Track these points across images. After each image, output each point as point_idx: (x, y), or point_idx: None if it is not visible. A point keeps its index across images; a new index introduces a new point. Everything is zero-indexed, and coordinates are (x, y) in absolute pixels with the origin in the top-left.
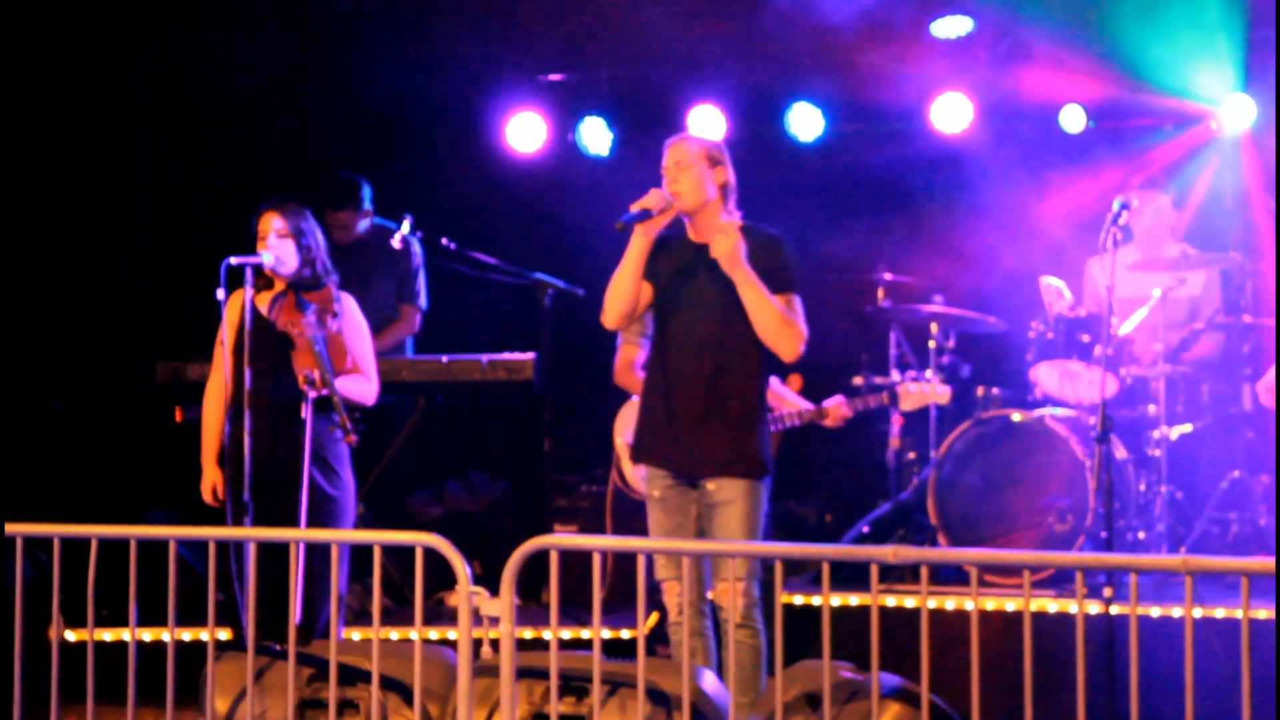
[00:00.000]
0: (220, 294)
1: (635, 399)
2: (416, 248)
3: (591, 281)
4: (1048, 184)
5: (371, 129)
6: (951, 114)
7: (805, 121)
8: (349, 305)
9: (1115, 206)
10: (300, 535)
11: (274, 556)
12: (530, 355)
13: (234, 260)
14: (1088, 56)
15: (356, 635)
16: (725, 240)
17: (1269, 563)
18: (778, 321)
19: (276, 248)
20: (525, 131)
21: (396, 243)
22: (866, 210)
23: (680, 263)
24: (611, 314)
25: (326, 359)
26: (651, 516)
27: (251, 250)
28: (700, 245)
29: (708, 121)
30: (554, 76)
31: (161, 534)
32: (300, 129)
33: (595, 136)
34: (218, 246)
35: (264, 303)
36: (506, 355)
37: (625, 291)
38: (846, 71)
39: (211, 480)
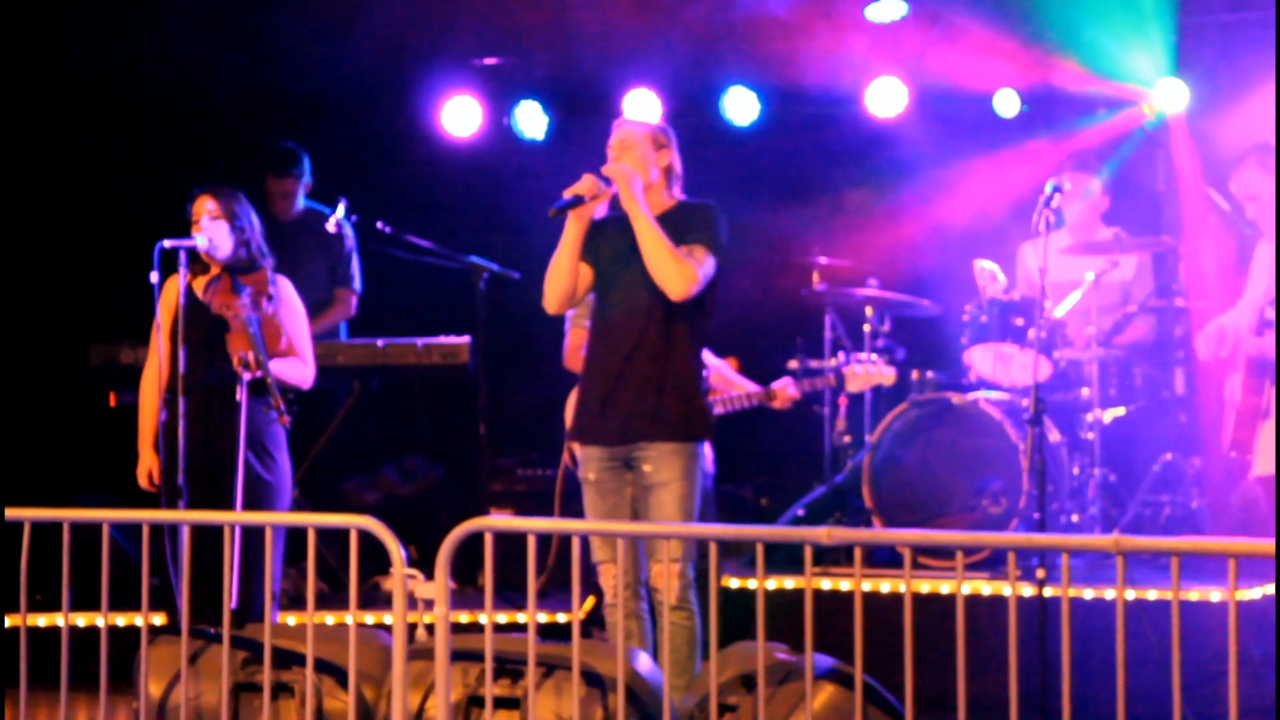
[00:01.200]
0: (154, 277)
1: None
2: (349, 231)
3: (526, 265)
4: (982, 168)
5: (306, 112)
6: (886, 98)
7: (740, 106)
8: (285, 288)
9: (1048, 189)
10: (234, 518)
11: (209, 540)
12: (465, 339)
13: (167, 243)
14: (1020, 40)
15: (291, 619)
16: (626, 170)
17: (1199, 543)
18: (666, 256)
19: (209, 230)
20: (460, 116)
21: (331, 226)
22: (801, 194)
23: (619, 245)
24: (551, 298)
25: (260, 341)
26: (587, 499)
27: (186, 233)
28: (623, 220)
29: (643, 106)
30: (489, 61)
31: (95, 517)
32: (235, 111)
33: (530, 121)
34: (151, 229)
35: (200, 286)
36: (441, 339)
37: (563, 276)
38: (781, 56)
39: (147, 465)
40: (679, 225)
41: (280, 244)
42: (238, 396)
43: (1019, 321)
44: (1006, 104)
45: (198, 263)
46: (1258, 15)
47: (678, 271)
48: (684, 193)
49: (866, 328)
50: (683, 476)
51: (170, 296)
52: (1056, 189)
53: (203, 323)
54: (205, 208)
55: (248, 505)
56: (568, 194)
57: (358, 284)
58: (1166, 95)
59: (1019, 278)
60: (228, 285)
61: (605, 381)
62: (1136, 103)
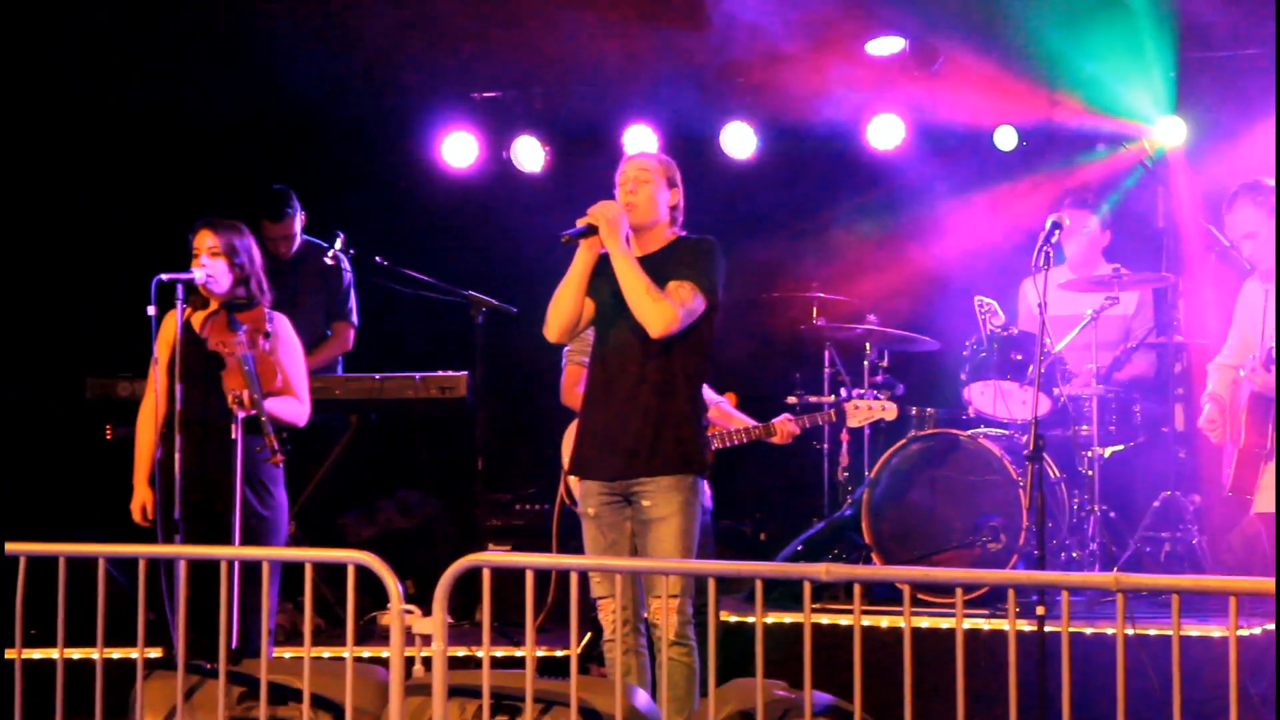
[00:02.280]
0: (151, 310)
1: None
2: (347, 264)
3: (524, 300)
4: (981, 203)
5: (305, 146)
6: (885, 133)
7: (739, 141)
8: (282, 325)
9: (1048, 225)
10: (232, 553)
11: (205, 575)
12: (463, 373)
13: (164, 277)
14: (1020, 76)
15: (288, 654)
16: (609, 207)
17: (1200, 581)
18: (643, 294)
19: (209, 266)
20: (459, 149)
21: (329, 259)
22: (800, 229)
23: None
24: (554, 327)
25: (255, 379)
26: (587, 534)
27: (186, 265)
28: (642, 257)
29: (641, 140)
30: (488, 94)
31: (91, 551)
32: (234, 143)
33: (529, 154)
34: (149, 262)
35: (198, 321)
36: (439, 373)
37: (568, 305)
38: (780, 91)
39: (141, 499)
40: (675, 261)
41: (278, 277)
42: (233, 434)
43: (1018, 357)
44: (1006, 139)
45: (196, 296)
46: (1256, 52)
47: (655, 310)
48: (684, 228)
49: (865, 363)
50: (681, 512)
51: (168, 331)
52: (1056, 225)
53: (200, 358)
54: (204, 243)
55: (245, 540)
56: (581, 222)
57: (355, 317)
58: (1166, 131)
59: (1019, 313)
60: (224, 321)
61: (605, 417)
62: (1136, 139)
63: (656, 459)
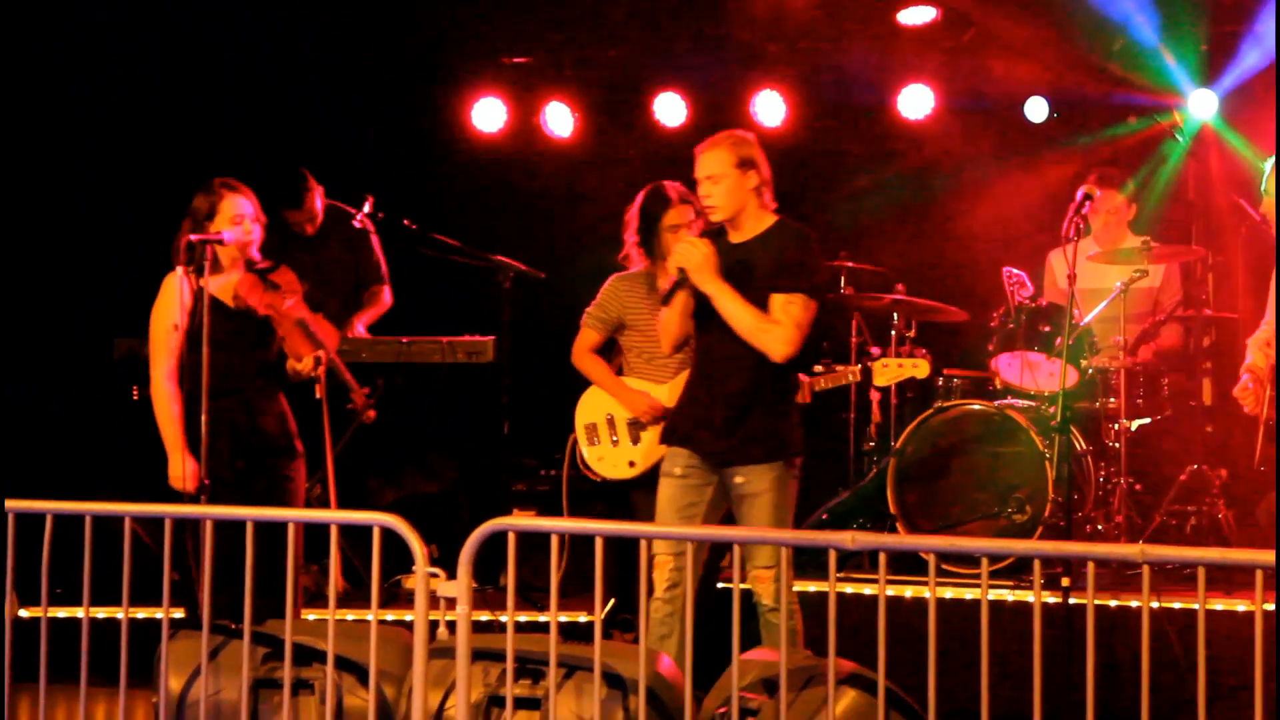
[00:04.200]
0: (180, 271)
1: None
2: (372, 229)
3: (552, 264)
4: (1010, 174)
5: (333, 110)
6: (915, 103)
7: (769, 109)
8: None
9: (1079, 197)
10: (256, 514)
11: (238, 537)
12: (490, 338)
13: (194, 238)
14: (1051, 47)
15: (312, 616)
16: (691, 253)
17: (1225, 553)
18: (753, 328)
19: (253, 231)
20: (488, 114)
21: (356, 223)
22: (829, 198)
23: (720, 261)
24: (667, 348)
25: (315, 338)
26: (664, 492)
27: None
28: (739, 244)
29: (671, 108)
30: (518, 60)
31: (117, 510)
32: (260, 107)
33: (558, 120)
34: (177, 222)
35: (229, 287)
36: (466, 338)
37: (676, 333)
38: (811, 59)
39: (181, 469)
40: (775, 252)
41: (307, 242)
42: (318, 394)
43: (1046, 329)
44: (1037, 110)
45: (209, 260)
46: None
47: (771, 338)
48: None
49: (893, 333)
50: (773, 489)
51: (176, 295)
52: (1087, 196)
53: (234, 322)
54: (243, 209)
55: (296, 487)
56: (675, 269)
57: (387, 276)
58: (1197, 104)
59: (1047, 285)
60: (259, 284)
61: (709, 394)
62: (1167, 111)
63: (749, 447)
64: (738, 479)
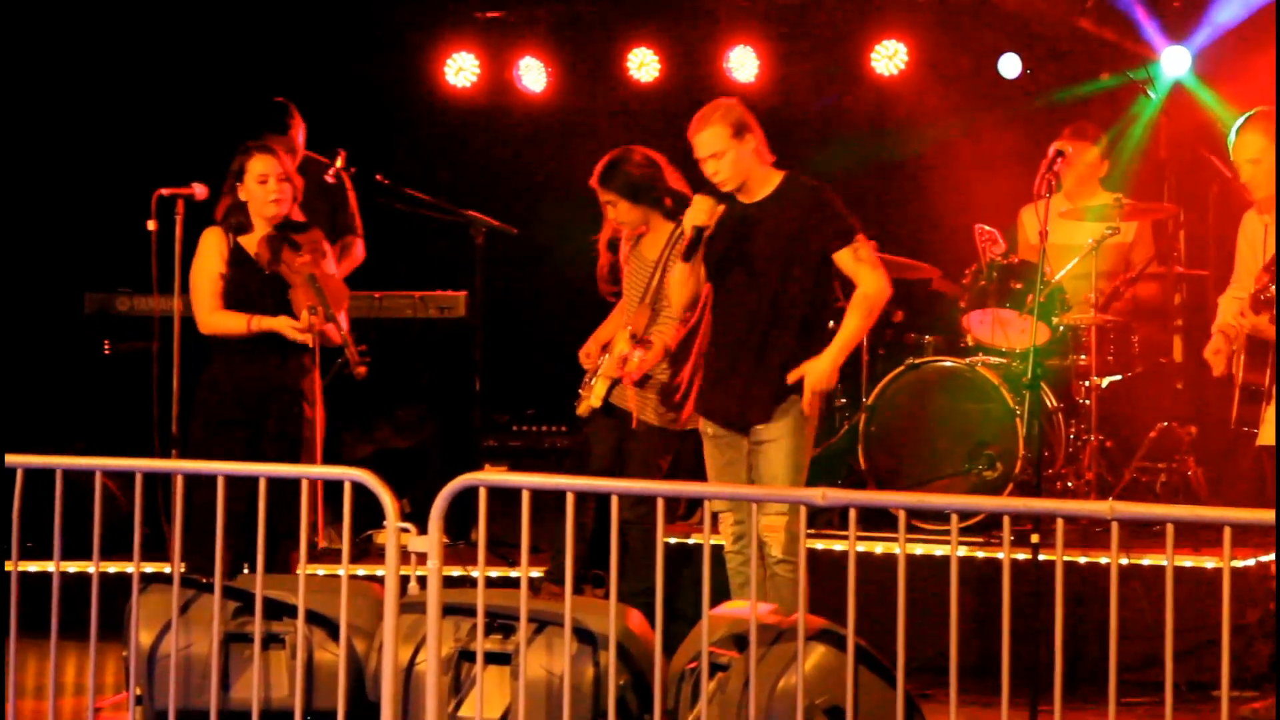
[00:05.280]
0: (151, 225)
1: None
2: (347, 182)
3: (524, 220)
4: (982, 131)
5: (305, 63)
6: (888, 59)
7: (742, 64)
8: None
9: (1051, 153)
10: (227, 469)
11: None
12: (462, 293)
13: (164, 191)
14: (1025, 3)
15: (322, 571)
16: (706, 213)
17: (1193, 510)
18: (876, 313)
19: (278, 191)
20: (461, 69)
21: (329, 177)
22: (800, 155)
23: (733, 224)
24: (680, 308)
25: (324, 295)
26: (706, 452)
27: (184, 180)
28: (750, 205)
29: (644, 64)
30: (490, 14)
31: (88, 464)
32: (232, 60)
33: (531, 75)
34: (148, 177)
35: (251, 245)
36: (439, 292)
37: (691, 290)
38: (784, 14)
39: (290, 322)
40: (796, 209)
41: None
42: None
43: (1017, 286)
44: (1009, 67)
45: (243, 219)
46: None
47: (875, 293)
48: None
49: None
50: (790, 433)
51: (214, 249)
52: (1060, 153)
53: (258, 281)
54: (273, 169)
55: (302, 449)
56: (689, 229)
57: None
58: (1169, 61)
59: (1019, 242)
60: (282, 243)
61: (727, 361)
62: (1140, 68)
63: (766, 409)
64: (758, 426)
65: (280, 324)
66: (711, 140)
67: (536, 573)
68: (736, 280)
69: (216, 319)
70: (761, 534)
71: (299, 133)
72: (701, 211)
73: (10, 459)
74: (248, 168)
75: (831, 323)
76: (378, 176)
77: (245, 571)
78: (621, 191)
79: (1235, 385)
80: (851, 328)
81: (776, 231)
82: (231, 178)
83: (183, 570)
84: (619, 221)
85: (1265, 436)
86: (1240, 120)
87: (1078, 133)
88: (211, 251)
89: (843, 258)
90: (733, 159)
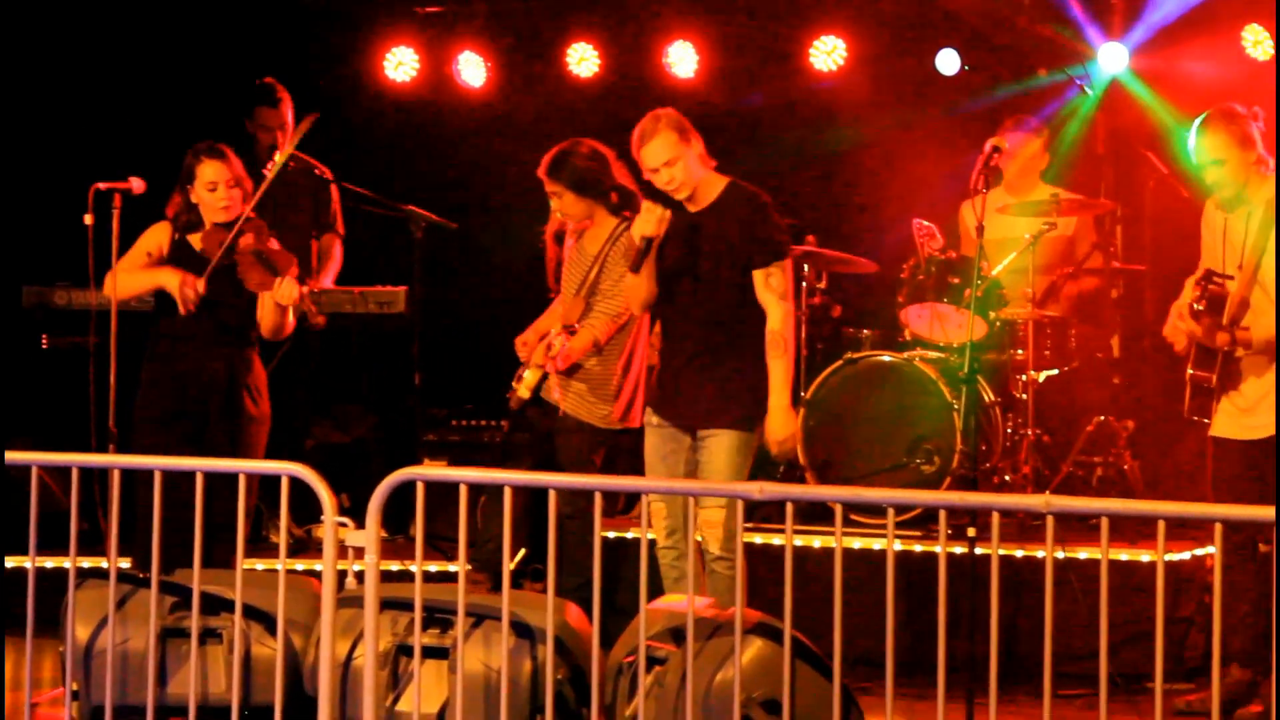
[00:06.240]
0: (88, 219)
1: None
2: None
3: (464, 215)
4: (921, 125)
5: (244, 57)
6: (826, 54)
7: (682, 59)
8: None
9: (986, 148)
10: (163, 463)
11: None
12: (402, 288)
13: (102, 186)
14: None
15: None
16: (655, 221)
17: (1128, 504)
18: (791, 345)
19: (227, 197)
20: (401, 63)
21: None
22: (740, 149)
23: (680, 230)
24: (639, 310)
25: (273, 265)
26: (648, 440)
27: (122, 173)
28: (697, 213)
29: (583, 59)
30: (430, 9)
31: (24, 459)
32: (168, 55)
33: (470, 69)
34: (85, 170)
35: (197, 242)
36: (378, 288)
37: (645, 295)
38: (723, 10)
39: (178, 280)
40: (740, 223)
41: (274, 190)
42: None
43: (955, 280)
44: (948, 63)
45: (193, 218)
46: None
47: (788, 330)
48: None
49: (803, 284)
50: (731, 434)
51: (156, 237)
52: (996, 148)
53: (211, 274)
54: (222, 175)
55: (245, 444)
56: (639, 238)
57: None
58: (1107, 58)
59: (960, 236)
60: (219, 231)
61: (671, 365)
62: (1078, 64)
63: (711, 413)
64: (701, 432)
65: (165, 279)
66: (661, 149)
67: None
68: (686, 286)
69: (119, 279)
70: (700, 529)
71: (288, 109)
72: (650, 221)
73: None
74: (197, 173)
75: None
76: (316, 171)
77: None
78: (568, 183)
79: (1186, 378)
80: (779, 371)
81: (722, 237)
82: (182, 178)
83: (125, 567)
84: (563, 214)
85: (1218, 428)
86: (1198, 122)
87: (1019, 125)
88: (150, 237)
89: (758, 278)
90: (684, 165)
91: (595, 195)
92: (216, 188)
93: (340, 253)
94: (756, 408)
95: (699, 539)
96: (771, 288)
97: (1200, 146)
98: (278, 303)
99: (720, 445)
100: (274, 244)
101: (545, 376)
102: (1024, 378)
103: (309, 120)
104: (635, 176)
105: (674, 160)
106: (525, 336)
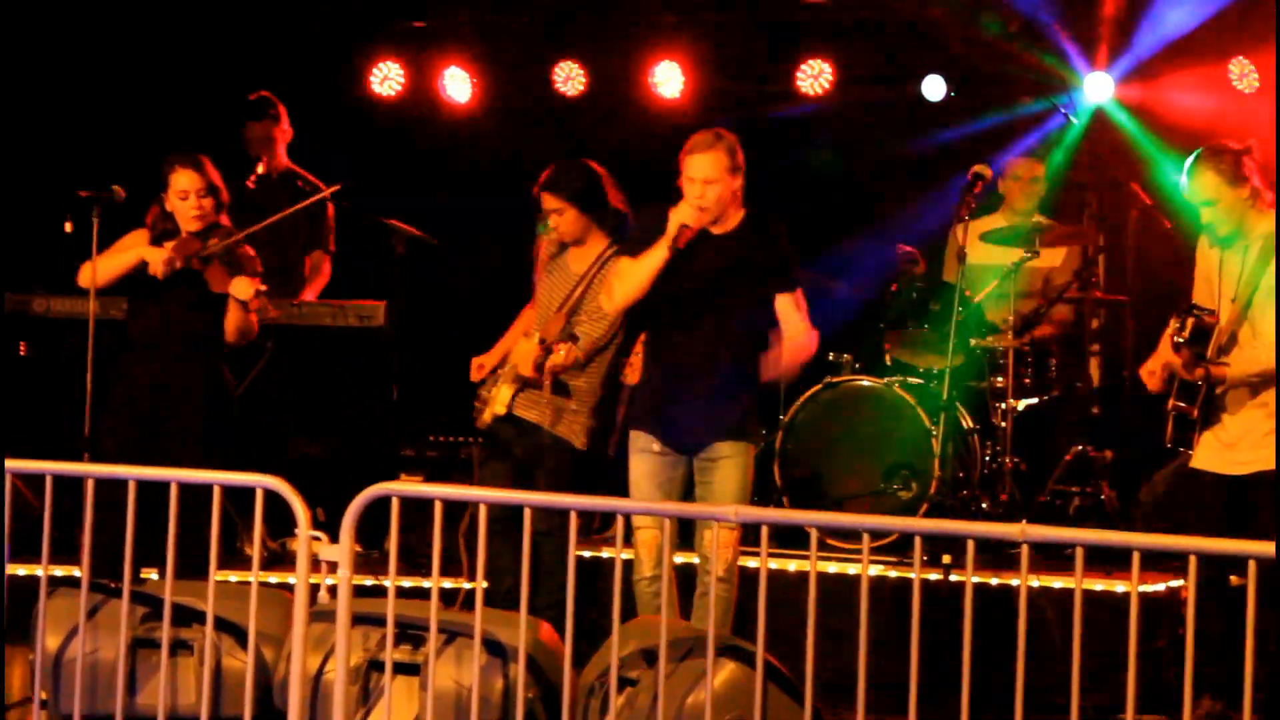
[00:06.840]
0: (68, 226)
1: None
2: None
3: (445, 230)
4: (907, 151)
5: (230, 70)
6: (813, 79)
7: (668, 79)
8: None
9: (969, 177)
10: (137, 473)
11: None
12: (382, 302)
13: (82, 193)
14: (949, 26)
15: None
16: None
17: (1103, 535)
18: (803, 359)
19: (200, 206)
20: (387, 78)
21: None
22: None
23: (700, 250)
24: (621, 304)
25: (241, 265)
26: (642, 466)
27: (101, 181)
28: (721, 236)
29: (569, 77)
30: (416, 23)
31: None
32: (152, 65)
33: (456, 85)
34: (64, 177)
35: (169, 247)
36: (358, 301)
37: (640, 291)
38: (709, 31)
39: (156, 253)
40: (764, 249)
41: (258, 203)
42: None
43: (936, 307)
44: (934, 89)
45: (170, 225)
46: (1180, 8)
47: (808, 353)
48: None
49: None
50: (744, 453)
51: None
52: (979, 176)
53: (183, 288)
54: (194, 185)
55: (209, 454)
56: (676, 224)
57: (333, 247)
58: (1092, 87)
59: (948, 259)
60: (189, 241)
61: (667, 383)
62: (1062, 93)
63: (709, 436)
64: (707, 454)
65: (145, 251)
66: (710, 165)
67: (448, 583)
68: (698, 305)
69: (99, 264)
70: (706, 549)
71: (279, 124)
72: (690, 213)
73: None
74: (170, 181)
75: None
76: (299, 184)
77: (155, 577)
78: (572, 199)
79: (1168, 408)
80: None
81: (741, 262)
82: (160, 186)
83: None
84: (560, 230)
85: (1199, 460)
86: (1188, 163)
87: (1029, 151)
88: (127, 242)
89: (786, 301)
90: (720, 191)
91: (596, 214)
92: (189, 196)
93: (329, 270)
94: (757, 429)
95: (695, 561)
96: (800, 308)
97: (1192, 188)
98: (234, 298)
99: (733, 465)
100: (248, 249)
101: (523, 387)
102: (1003, 405)
103: (334, 188)
104: (627, 199)
105: (714, 181)
106: (482, 359)
